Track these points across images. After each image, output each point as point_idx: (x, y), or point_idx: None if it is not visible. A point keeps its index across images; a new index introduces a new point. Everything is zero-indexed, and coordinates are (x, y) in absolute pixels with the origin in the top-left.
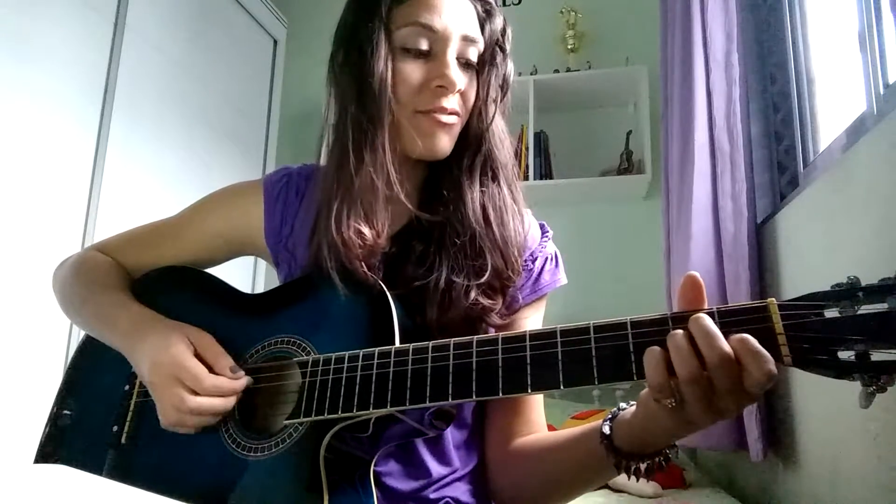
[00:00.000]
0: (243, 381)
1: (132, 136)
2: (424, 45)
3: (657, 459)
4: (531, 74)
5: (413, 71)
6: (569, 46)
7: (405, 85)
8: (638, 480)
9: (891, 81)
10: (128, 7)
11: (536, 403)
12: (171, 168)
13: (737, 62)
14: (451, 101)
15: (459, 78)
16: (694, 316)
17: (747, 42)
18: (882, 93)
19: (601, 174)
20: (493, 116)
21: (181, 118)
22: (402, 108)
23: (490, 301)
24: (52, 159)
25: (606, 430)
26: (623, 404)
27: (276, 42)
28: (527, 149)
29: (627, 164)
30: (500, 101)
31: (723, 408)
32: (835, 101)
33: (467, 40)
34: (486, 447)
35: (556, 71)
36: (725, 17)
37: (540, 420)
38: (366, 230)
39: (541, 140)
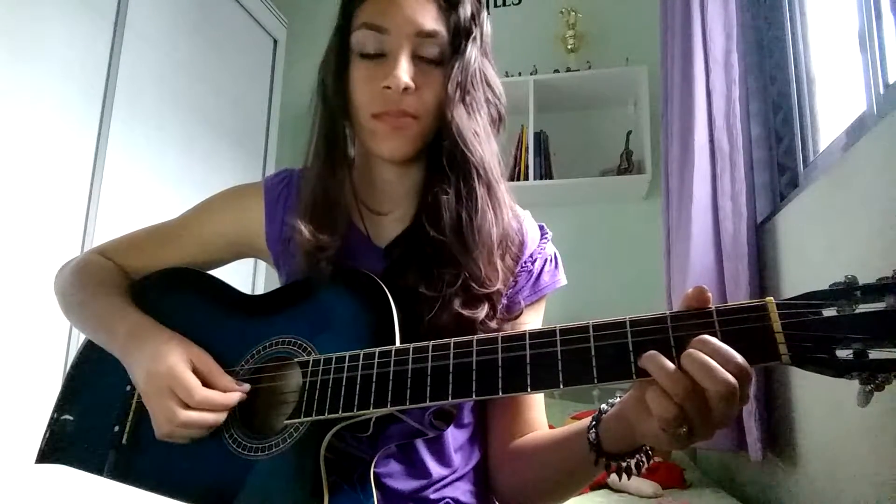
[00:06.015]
0: (236, 395)
1: (132, 136)
2: (375, 47)
3: (639, 457)
4: (531, 74)
5: (365, 73)
6: (569, 46)
7: (359, 89)
8: (630, 479)
9: (891, 81)
10: (128, 7)
11: (537, 404)
12: (171, 168)
13: (737, 62)
14: (405, 102)
15: (405, 77)
16: (647, 354)
17: (747, 42)
18: (882, 93)
19: (601, 174)
20: (454, 110)
21: (181, 118)
22: (361, 111)
23: (471, 311)
24: (52, 159)
25: (592, 436)
26: (604, 405)
27: (276, 42)
28: (527, 149)
29: (627, 164)
30: (465, 92)
31: (717, 420)
32: (835, 101)
33: (423, 36)
34: (488, 447)
35: (556, 71)
36: (725, 17)
37: (541, 419)
38: (307, 230)
39: (541, 140)
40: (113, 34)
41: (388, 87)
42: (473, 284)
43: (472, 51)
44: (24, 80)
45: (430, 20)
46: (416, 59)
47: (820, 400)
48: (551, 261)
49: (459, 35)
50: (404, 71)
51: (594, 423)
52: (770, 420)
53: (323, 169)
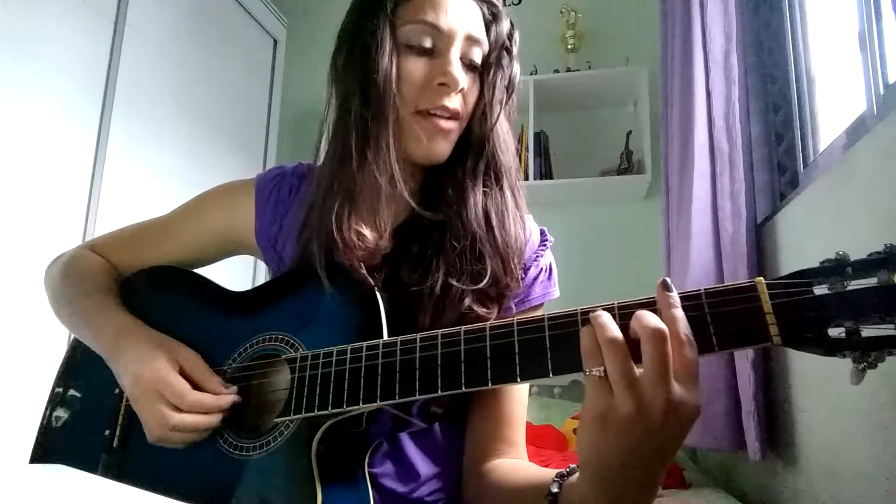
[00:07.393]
0: (229, 398)
1: (132, 136)
2: (428, 43)
3: None
4: (531, 74)
5: (416, 68)
6: (569, 46)
7: (408, 82)
8: None
9: (891, 81)
10: (128, 7)
11: (518, 424)
12: (171, 168)
13: (737, 62)
14: (454, 101)
15: (462, 77)
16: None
17: (747, 42)
18: (882, 93)
19: (601, 174)
20: (498, 119)
21: (181, 118)
22: (405, 106)
23: (485, 310)
24: (52, 159)
25: (555, 488)
26: (574, 465)
27: (276, 42)
28: (527, 149)
29: (627, 164)
30: (506, 103)
31: (650, 398)
32: (835, 101)
33: (471, 41)
34: (464, 459)
35: (556, 71)
36: (725, 18)
37: (518, 440)
38: (367, 231)
39: (541, 140)
40: (113, 34)
41: (444, 84)
42: (492, 284)
43: (516, 65)
44: (24, 79)
45: (479, 28)
46: (460, 61)
47: (820, 400)
48: (546, 271)
49: (498, 48)
50: (459, 70)
51: (567, 472)
52: (770, 420)
53: (371, 165)
